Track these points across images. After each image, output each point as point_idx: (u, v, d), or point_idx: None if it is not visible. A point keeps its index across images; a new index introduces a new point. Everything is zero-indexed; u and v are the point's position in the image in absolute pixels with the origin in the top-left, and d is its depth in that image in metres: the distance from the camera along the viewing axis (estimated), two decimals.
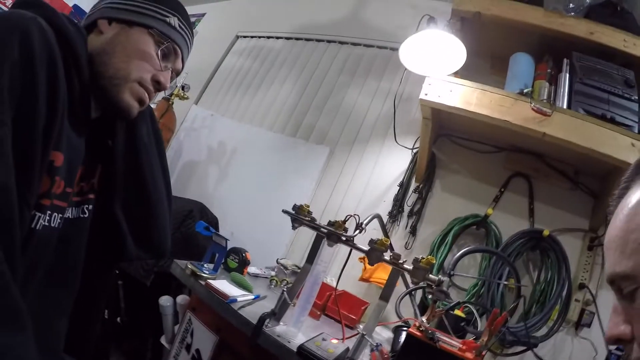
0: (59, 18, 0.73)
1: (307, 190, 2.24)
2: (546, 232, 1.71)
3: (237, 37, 3.10)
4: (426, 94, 1.62)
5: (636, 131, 1.57)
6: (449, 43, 1.56)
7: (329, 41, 2.65)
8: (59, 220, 0.76)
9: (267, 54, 2.87)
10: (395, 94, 2.20)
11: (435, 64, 1.64)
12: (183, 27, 0.89)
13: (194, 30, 0.96)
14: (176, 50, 0.88)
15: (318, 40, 2.70)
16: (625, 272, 0.44)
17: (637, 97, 1.62)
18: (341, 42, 2.61)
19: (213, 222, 2.16)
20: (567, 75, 1.67)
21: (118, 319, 1.91)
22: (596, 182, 1.84)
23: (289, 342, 1.05)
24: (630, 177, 0.49)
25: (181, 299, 1.41)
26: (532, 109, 1.50)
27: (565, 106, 1.61)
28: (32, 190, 0.65)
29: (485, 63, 2.06)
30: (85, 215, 0.85)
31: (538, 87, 1.68)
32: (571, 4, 1.80)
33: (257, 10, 3.15)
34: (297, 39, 2.79)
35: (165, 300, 1.41)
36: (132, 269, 1.76)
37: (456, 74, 1.68)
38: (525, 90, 1.60)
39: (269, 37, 2.93)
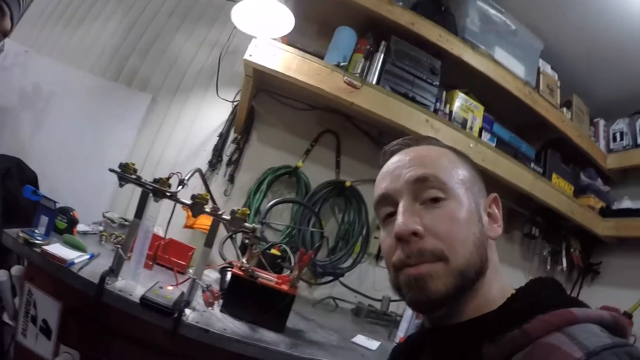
0: None
1: (128, 139, 2.21)
2: (348, 183, 2.09)
3: None
4: (251, 55, 1.74)
5: (432, 110, 1.96)
6: (279, 10, 1.67)
7: None
8: None
9: None
10: (223, 46, 2.25)
11: (264, 27, 1.75)
12: None
13: None
14: (3, 10, 0.81)
15: None
16: (424, 174, 0.64)
17: (438, 83, 2.00)
18: None
19: (32, 179, 2.00)
20: (382, 55, 1.95)
21: None
22: None
23: (131, 295, 1.16)
24: (405, 143, 0.74)
25: (16, 269, 1.34)
26: (344, 81, 1.75)
27: (374, 82, 1.89)
28: None
29: (314, 27, 2.22)
30: None
31: (355, 60, 1.93)
32: None
33: None
34: None
35: (0, 275, 1.32)
36: None
37: (283, 37, 1.82)
38: (341, 64, 1.82)
39: None
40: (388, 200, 0.67)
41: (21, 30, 2.52)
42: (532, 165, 2.31)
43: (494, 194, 0.70)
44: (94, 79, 2.33)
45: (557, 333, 0.50)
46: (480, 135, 2.17)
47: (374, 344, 1.49)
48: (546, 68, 2.42)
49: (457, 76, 2.14)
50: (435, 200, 0.62)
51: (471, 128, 2.12)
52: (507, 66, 2.17)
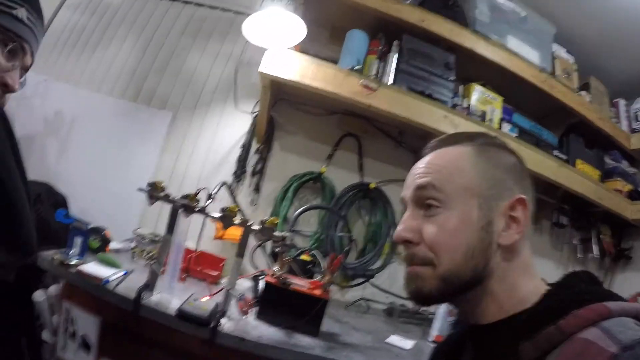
0: None
1: (152, 157, 2.27)
2: (372, 185, 2.08)
3: None
4: (266, 67, 1.75)
5: (450, 105, 1.95)
6: (290, 20, 1.69)
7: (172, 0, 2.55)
8: None
9: (105, 9, 2.61)
10: (237, 59, 2.29)
11: (276, 37, 1.76)
12: (32, 18, 0.83)
13: None
14: (24, 48, 0.83)
15: None
16: (423, 183, 0.66)
17: (453, 78, 1.98)
18: (184, 1, 2.53)
19: (62, 202, 2.06)
20: (396, 55, 1.94)
21: None
22: (417, 140, 2.20)
23: (167, 308, 1.18)
24: (437, 144, 0.72)
25: (53, 289, 1.39)
26: (360, 84, 1.76)
27: (390, 82, 1.89)
28: None
29: (325, 32, 2.24)
30: None
31: (369, 62, 1.93)
32: None
33: None
34: None
35: (39, 296, 1.37)
36: None
37: (296, 46, 1.83)
38: (356, 67, 1.84)
39: None
40: (404, 205, 0.72)
41: (38, 60, 2.57)
42: (555, 152, 2.26)
43: (518, 196, 0.65)
44: (113, 101, 2.40)
45: (592, 328, 0.50)
46: (500, 126, 2.14)
47: (408, 344, 1.48)
48: (561, 52, 2.38)
49: (472, 69, 2.12)
50: (431, 209, 0.65)
51: (491, 120, 2.10)
52: (521, 54, 2.13)
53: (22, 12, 0.80)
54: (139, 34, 2.52)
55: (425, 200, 0.66)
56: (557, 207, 2.51)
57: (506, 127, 2.18)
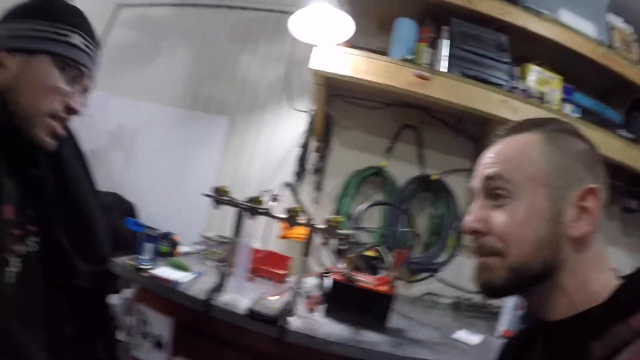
0: None
1: (214, 162, 2.35)
2: (433, 177, 2.04)
3: (119, 6, 2.89)
4: (317, 64, 1.76)
5: (507, 89, 1.87)
6: (336, 14, 1.68)
7: (217, 6, 2.61)
8: (19, 264, 0.78)
9: (153, 23, 2.73)
10: (288, 58, 2.31)
11: (324, 33, 1.76)
12: (87, 42, 0.88)
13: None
14: (83, 72, 0.88)
15: (206, 6, 2.63)
16: (491, 173, 0.66)
17: (508, 60, 1.91)
18: (229, 7, 2.59)
19: (131, 210, 2.16)
20: (446, 41, 1.88)
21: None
22: (476, 128, 2.14)
23: (236, 307, 1.21)
24: (507, 132, 0.70)
25: (128, 293, 1.47)
26: (414, 74, 1.72)
27: (444, 69, 1.83)
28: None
29: (372, 24, 2.20)
30: (34, 249, 0.85)
31: (420, 50, 1.89)
32: None
33: None
34: (183, 5, 2.69)
35: (114, 300, 1.45)
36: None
37: (346, 41, 1.82)
38: (408, 57, 1.80)
39: (153, 5, 2.76)
40: (473, 195, 0.71)
41: (96, 77, 2.74)
42: (620, 131, 2.11)
43: (588, 185, 0.61)
44: (172, 111, 2.50)
45: None
46: (561, 107, 2.03)
47: (475, 339, 1.44)
48: (617, 22, 2.22)
49: (526, 48, 2.02)
50: (500, 199, 0.65)
51: (550, 102, 2.00)
52: (576, 27, 2.01)
53: (76, 39, 0.85)
54: (189, 43, 2.61)
55: (494, 191, 0.65)
56: (626, 191, 2.35)
57: (567, 107, 2.07)
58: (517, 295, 0.68)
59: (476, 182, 0.69)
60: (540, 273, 0.61)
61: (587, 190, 0.61)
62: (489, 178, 0.66)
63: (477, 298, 1.98)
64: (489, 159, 0.68)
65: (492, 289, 0.65)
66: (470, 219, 0.67)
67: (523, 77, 2.02)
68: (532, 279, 0.62)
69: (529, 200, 0.62)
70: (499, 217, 0.64)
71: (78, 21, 0.88)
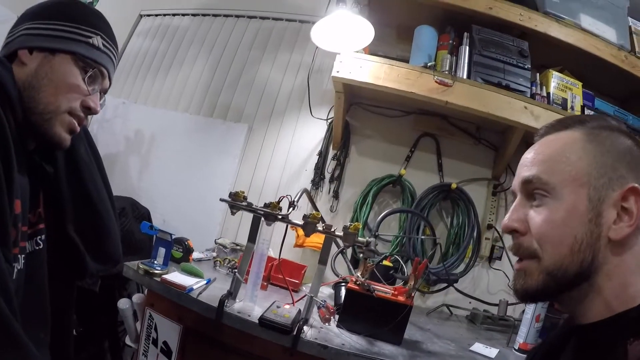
0: None
1: (232, 169, 2.34)
2: (453, 185, 2.00)
3: (141, 16, 2.93)
4: (338, 71, 1.76)
5: (528, 95, 1.84)
6: (357, 22, 1.67)
7: (237, 16, 2.65)
8: (23, 261, 0.78)
9: (174, 32, 2.78)
10: (308, 67, 2.31)
11: (345, 41, 1.75)
12: (107, 44, 0.89)
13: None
14: (102, 73, 0.89)
15: (226, 16, 2.67)
16: (529, 176, 0.64)
17: (529, 66, 1.87)
18: (249, 17, 2.62)
19: (145, 215, 2.18)
20: (467, 47, 1.87)
21: (74, 332, 1.90)
22: (496, 136, 2.12)
23: (249, 315, 1.19)
24: (547, 130, 0.69)
25: (137, 297, 1.45)
26: (435, 81, 1.70)
27: (465, 76, 1.83)
28: (8, 244, 0.67)
29: (392, 32, 2.20)
30: (40, 247, 0.86)
31: (441, 57, 1.87)
32: None
33: None
34: (203, 15, 2.73)
35: (123, 303, 1.44)
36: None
37: (365, 48, 1.82)
38: (428, 64, 1.78)
39: (174, 15, 2.82)
40: (514, 195, 0.70)
41: (116, 84, 2.79)
42: None
43: (631, 185, 0.58)
44: (190, 118, 2.52)
45: None
46: (582, 113, 1.98)
47: (492, 352, 1.40)
48: (638, 26, 2.15)
49: (548, 55, 2.00)
50: (539, 199, 0.63)
51: (572, 108, 1.95)
52: (597, 32, 1.96)
53: (97, 40, 0.86)
54: (209, 52, 2.63)
55: (533, 191, 0.64)
56: None
57: (589, 113, 2.01)
58: (553, 299, 0.67)
59: (515, 182, 0.69)
60: (577, 275, 0.59)
61: (629, 190, 0.58)
62: (526, 181, 0.65)
63: (493, 310, 1.93)
64: (528, 160, 0.67)
65: (528, 293, 0.63)
66: (509, 219, 0.66)
67: (545, 83, 1.98)
68: (569, 282, 0.60)
69: (568, 201, 0.60)
70: (537, 217, 0.62)
71: (99, 23, 0.89)
